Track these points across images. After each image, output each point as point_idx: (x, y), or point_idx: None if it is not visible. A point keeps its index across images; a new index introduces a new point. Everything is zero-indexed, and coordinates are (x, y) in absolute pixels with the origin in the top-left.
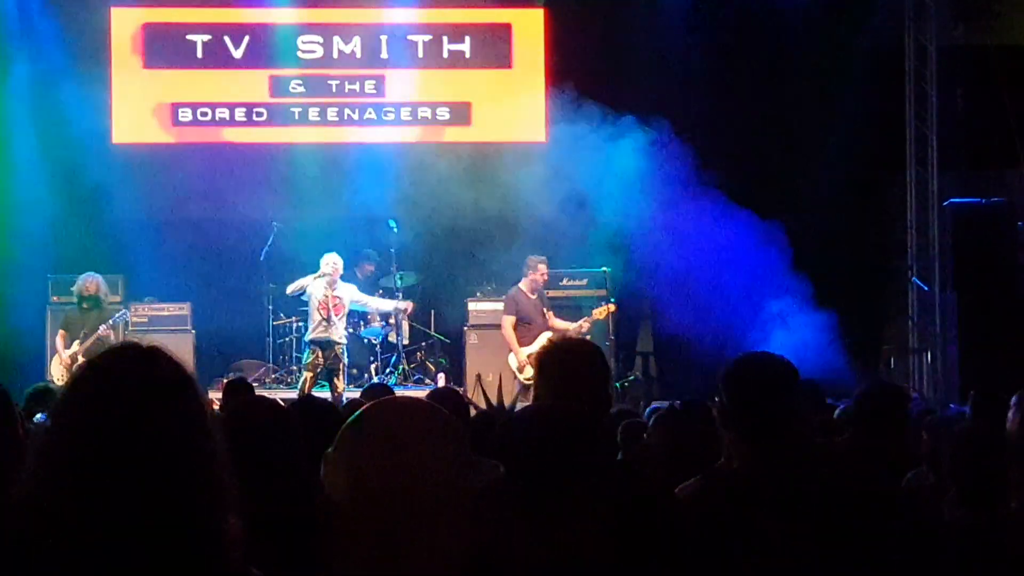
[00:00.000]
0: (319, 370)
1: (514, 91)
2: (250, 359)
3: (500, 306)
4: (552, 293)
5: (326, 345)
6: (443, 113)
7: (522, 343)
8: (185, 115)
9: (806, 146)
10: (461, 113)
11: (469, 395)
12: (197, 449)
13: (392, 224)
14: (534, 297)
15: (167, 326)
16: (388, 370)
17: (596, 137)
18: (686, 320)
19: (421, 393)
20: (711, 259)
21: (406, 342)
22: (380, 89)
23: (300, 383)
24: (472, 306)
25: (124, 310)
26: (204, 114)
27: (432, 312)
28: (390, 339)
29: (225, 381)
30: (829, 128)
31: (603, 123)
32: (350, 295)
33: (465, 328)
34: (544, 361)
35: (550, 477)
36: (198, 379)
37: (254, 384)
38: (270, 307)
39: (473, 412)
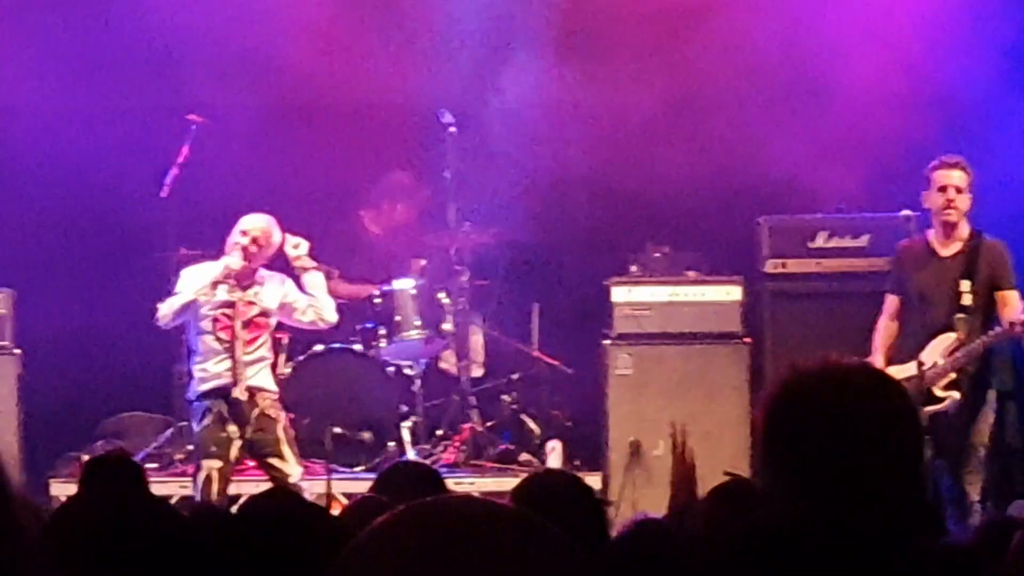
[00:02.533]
0: (231, 453)
1: None
2: (136, 411)
3: (680, 293)
4: (795, 265)
5: (231, 401)
6: None
7: (896, 354)
8: None
9: None
10: None
11: (613, 496)
12: None
13: (447, 117)
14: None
15: None
16: (438, 434)
17: None
18: None
19: (507, 486)
20: None
21: (477, 373)
22: None
23: (199, 483)
24: (622, 294)
25: None
26: None
27: (535, 309)
28: (443, 366)
29: (84, 459)
30: None
31: None
32: (279, 294)
33: (606, 343)
34: (780, 408)
35: None
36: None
37: (146, 463)
38: None
39: (619, 528)
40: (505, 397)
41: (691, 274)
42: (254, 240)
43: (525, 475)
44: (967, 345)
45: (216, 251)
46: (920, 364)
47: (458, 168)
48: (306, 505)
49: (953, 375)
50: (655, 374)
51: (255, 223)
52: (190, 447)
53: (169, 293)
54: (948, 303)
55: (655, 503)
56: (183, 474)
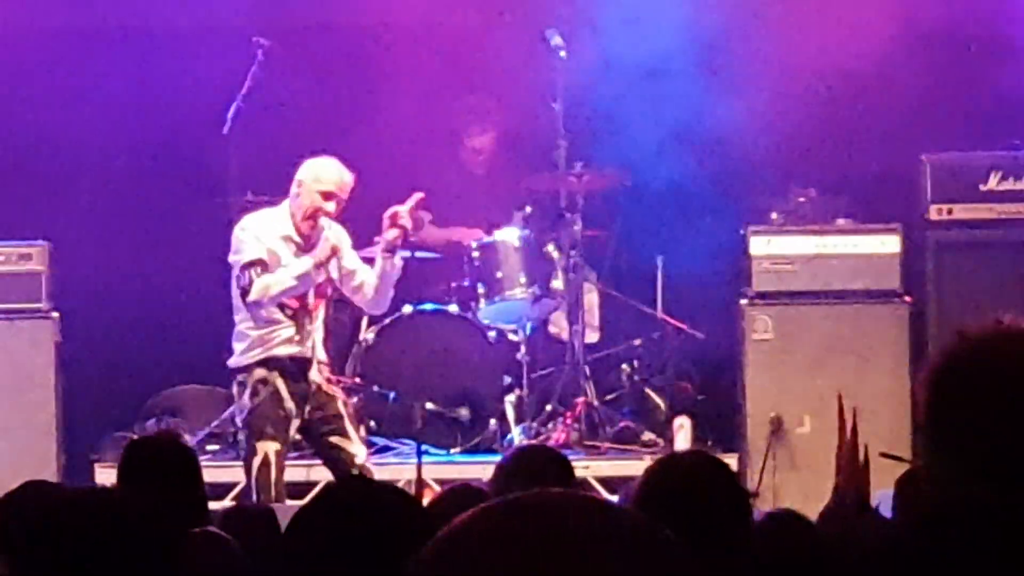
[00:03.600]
0: (289, 434)
1: None
2: (194, 384)
3: (829, 244)
4: (963, 211)
5: (297, 374)
6: None
7: None
8: None
9: None
10: None
11: (751, 481)
12: None
13: (556, 39)
14: None
15: None
16: (547, 410)
17: None
18: None
19: (627, 469)
20: None
21: (593, 339)
22: None
23: (254, 467)
24: (761, 246)
25: None
26: None
27: (659, 262)
28: (552, 331)
29: (132, 439)
30: None
31: None
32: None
33: (743, 304)
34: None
35: None
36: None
37: (206, 445)
38: None
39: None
40: (625, 366)
41: (842, 222)
42: (340, 203)
43: (651, 457)
44: None
45: (284, 196)
46: None
47: (569, 99)
48: (392, 492)
49: None
50: (800, 339)
51: (336, 179)
52: None
53: (228, 247)
54: None
55: (800, 490)
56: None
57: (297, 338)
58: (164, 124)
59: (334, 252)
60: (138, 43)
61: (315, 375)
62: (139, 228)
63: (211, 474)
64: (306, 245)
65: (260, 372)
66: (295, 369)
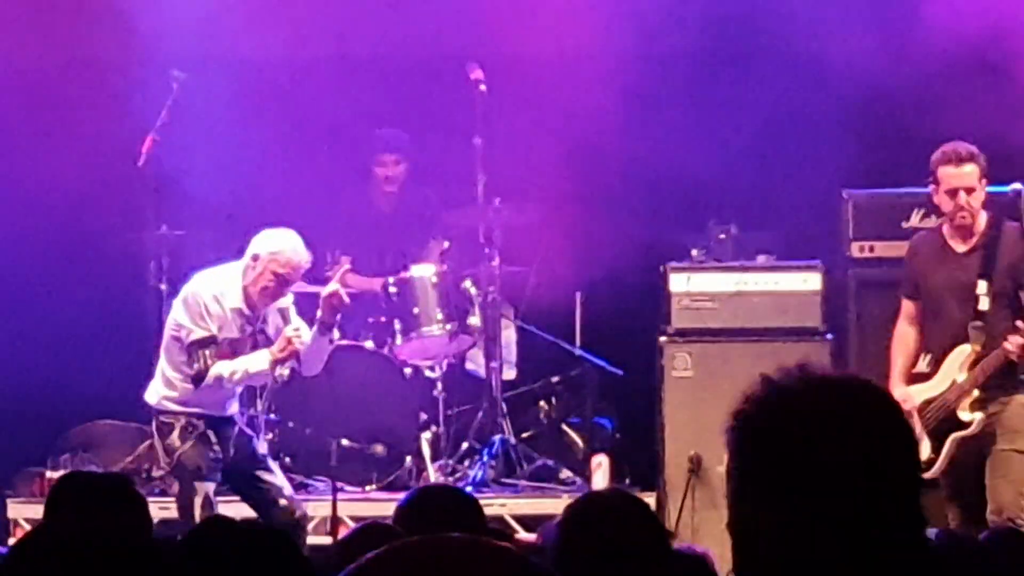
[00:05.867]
0: (218, 478)
1: None
2: (108, 419)
3: (749, 281)
4: (885, 248)
5: (222, 421)
6: None
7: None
8: None
9: None
10: None
11: (669, 521)
12: None
13: (476, 73)
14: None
15: None
16: (463, 447)
17: None
18: None
19: (545, 508)
20: None
21: (510, 375)
22: None
23: (196, 507)
24: (681, 283)
25: None
26: None
27: (578, 298)
28: (469, 367)
29: (49, 476)
30: None
31: None
32: (280, 320)
33: (662, 340)
34: None
35: None
36: None
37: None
38: (163, 283)
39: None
40: (543, 404)
41: (762, 259)
42: (293, 283)
43: (569, 495)
44: (986, 358)
45: (200, 230)
46: (953, 382)
47: (488, 133)
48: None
49: (976, 393)
50: (720, 377)
51: (296, 263)
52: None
53: (144, 281)
54: (964, 309)
55: (719, 529)
56: (163, 493)
57: (228, 399)
58: (77, 156)
59: (293, 354)
60: (56, 74)
61: (234, 411)
62: (51, 261)
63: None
64: (254, 319)
65: (187, 419)
66: (221, 420)
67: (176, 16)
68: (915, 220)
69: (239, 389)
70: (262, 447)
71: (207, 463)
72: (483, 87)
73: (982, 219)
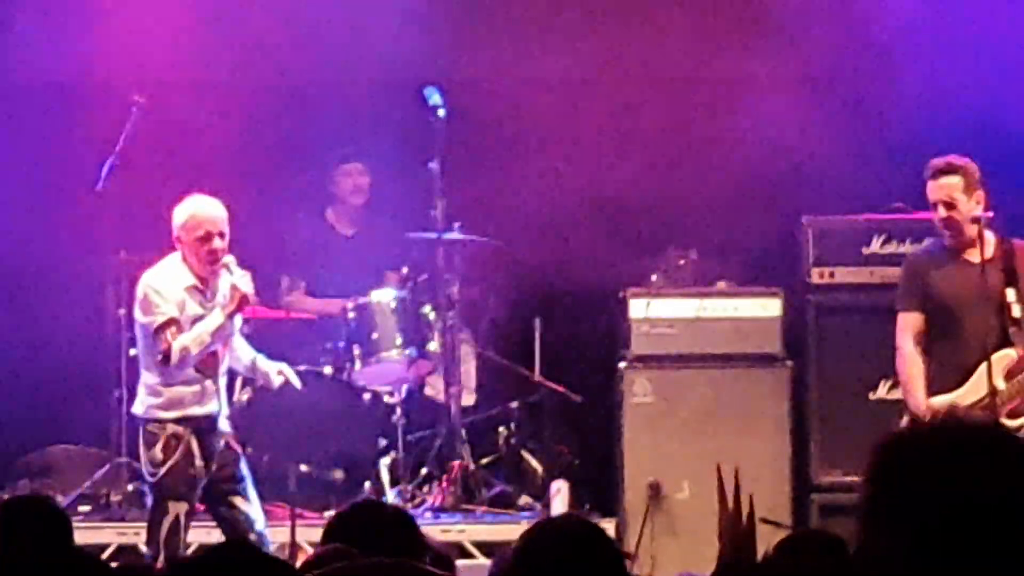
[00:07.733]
0: (196, 494)
1: None
2: (67, 444)
3: (709, 307)
4: (844, 274)
5: (209, 432)
6: None
7: (937, 384)
8: None
9: None
10: None
11: (628, 547)
12: None
13: (435, 98)
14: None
15: None
16: (422, 473)
17: None
18: None
19: (503, 534)
20: None
21: (469, 401)
22: None
23: (164, 529)
24: (640, 309)
25: None
26: None
27: (537, 324)
28: (429, 393)
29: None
30: None
31: None
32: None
33: (621, 367)
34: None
35: None
36: None
37: (78, 506)
38: (121, 308)
39: None
40: (502, 429)
41: (722, 285)
42: (223, 234)
43: (528, 521)
44: None
45: (159, 255)
46: (993, 391)
47: (447, 159)
48: (265, 559)
49: (1019, 399)
50: (679, 403)
51: (206, 218)
52: (130, 487)
53: (103, 306)
54: (991, 316)
55: (679, 556)
56: (122, 519)
57: (208, 393)
58: (36, 180)
59: (243, 300)
60: (11, 97)
61: (224, 425)
62: (9, 286)
63: (82, 535)
64: (210, 292)
65: (173, 428)
66: (207, 427)
67: (135, 40)
68: (875, 246)
69: (220, 384)
70: (245, 469)
71: (186, 481)
72: (441, 112)
73: (972, 229)
